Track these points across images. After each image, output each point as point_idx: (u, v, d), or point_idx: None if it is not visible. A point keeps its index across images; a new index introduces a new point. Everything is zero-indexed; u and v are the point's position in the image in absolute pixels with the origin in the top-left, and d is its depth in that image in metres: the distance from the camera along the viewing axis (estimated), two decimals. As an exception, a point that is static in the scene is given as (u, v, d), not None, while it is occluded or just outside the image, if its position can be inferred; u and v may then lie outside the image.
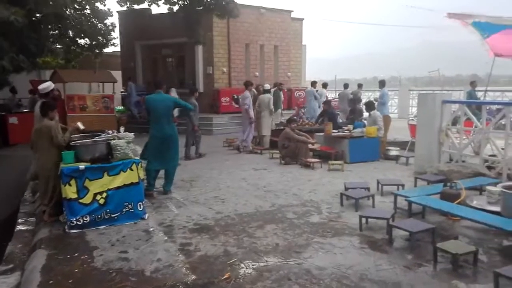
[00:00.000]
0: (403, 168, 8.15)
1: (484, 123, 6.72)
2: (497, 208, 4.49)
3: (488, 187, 4.97)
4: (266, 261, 3.96)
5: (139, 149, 6.51)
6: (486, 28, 11.22)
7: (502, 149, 6.37)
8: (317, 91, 14.25)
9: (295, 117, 11.58)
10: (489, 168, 6.51)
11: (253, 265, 3.86)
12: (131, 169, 5.14)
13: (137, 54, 17.82)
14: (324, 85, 15.01)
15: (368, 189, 6.00)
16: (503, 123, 6.77)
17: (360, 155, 8.73)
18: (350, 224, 4.91)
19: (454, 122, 7.47)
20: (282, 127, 10.19)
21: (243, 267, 3.83)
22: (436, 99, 7.26)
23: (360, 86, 15.07)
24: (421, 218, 4.97)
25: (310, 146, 9.15)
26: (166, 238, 4.63)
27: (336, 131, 9.54)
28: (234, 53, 16.54)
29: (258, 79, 16.37)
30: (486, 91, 16.11)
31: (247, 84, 10.81)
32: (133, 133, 5.55)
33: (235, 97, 12.36)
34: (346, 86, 14.77)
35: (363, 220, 4.81)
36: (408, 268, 3.75)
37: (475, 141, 7.11)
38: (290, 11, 18.35)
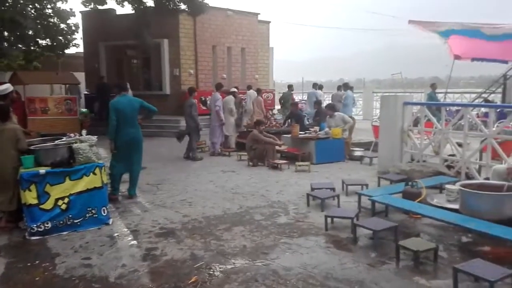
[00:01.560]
0: (367, 168, 8.35)
1: (443, 124, 6.98)
2: (456, 206, 4.65)
3: (447, 186, 5.16)
4: (234, 263, 3.96)
5: (103, 152, 6.36)
6: (447, 33, 11.74)
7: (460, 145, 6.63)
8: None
9: (263, 119, 11.66)
10: (448, 167, 6.77)
11: (220, 268, 3.85)
12: (94, 173, 5.01)
13: (101, 55, 17.39)
14: (320, 87, 15.90)
15: (333, 189, 6.11)
16: (462, 123, 7.05)
17: (326, 156, 8.88)
18: (316, 224, 4.99)
19: (415, 123, 7.72)
20: (250, 129, 10.22)
21: (210, 270, 3.81)
22: (398, 101, 7.48)
23: (320, 87, 15.78)
24: (384, 217, 5.10)
25: (277, 147, 9.22)
26: (131, 243, 4.55)
27: (303, 132, 9.67)
28: (201, 54, 16.45)
29: (226, 81, 16.35)
30: (446, 92, 16.75)
31: (218, 87, 10.79)
32: (96, 136, 5.41)
33: (203, 99, 12.32)
34: (316, 86, 15.64)
35: (329, 220, 4.89)
36: (371, 266, 3.84)
37: (435, 142, 7.37)
38: (257, 14, 18.45)
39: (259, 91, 13.93)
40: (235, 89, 11.78)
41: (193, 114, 9.50)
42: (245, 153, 9.13)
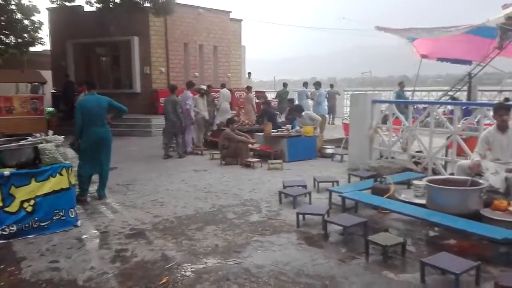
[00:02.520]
0: (338, 165, 8.47)
1: (411, 121, 7.17)
2: (423, 201, 4.77)
3: (415, 181, 5.28)
4: (205, 262, 3.94)
5: (71, 152, 6.19)
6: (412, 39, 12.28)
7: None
8: (309, 91, 15.10)
9: (235, 117, 11.64)
10: (416, 163, 6.96)
11: (192, 268, 3.82)
12: (61, 174, 4.87)
13: (68, 53, 16.94)
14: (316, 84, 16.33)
15: (305, 186, 6.17)
16: (429, 120, 7.25)
17: (298, 154, 8.96)
18: (288, 221, 5.02)
19: (384, 120, 7.89)
20: (222, 128, 10.18)
21: (181, 271, 3.77)
22: (367, 99, 7.63)
23: (285, 85, 16.57)
24: (354, 213, 5.19)
25: (250, 146, 9.24)
26: (100, 245, 4.46)
27: (276, 131, 9.72)
28: (172, 52, 16.27)
29: (198, 79, 16.24)
30: (414, 91, 17.20)
31: (189, 85, 10.69)
32: (63, 136, 5.27)
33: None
34: (306, 84, 16.14)
35: (300, 216, 4.94)
36: (342, 261, 3.91)
37: (403, 139, 7.55)
38: (229, 12, 18.41)
39: (249, 89, 14.19)
40: (203, 87, 11.65)
41: (178, 111, 9.63)
42: (218, 152, 9.10)
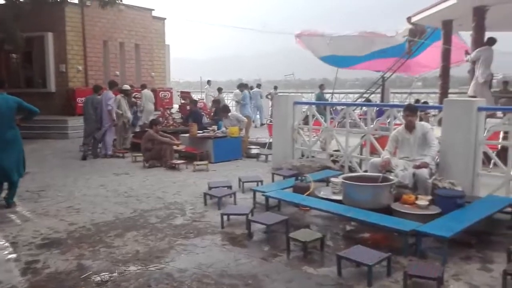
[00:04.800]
0: (263, 165, 8.63)
1: (329, 122, 7.51)
2: (339, 197, 5.02)
3: (332, 179, 5.53)
4: (125, 270, 3.78)
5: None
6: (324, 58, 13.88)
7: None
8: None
9: (160, 119, 11.36)
10: (334, 161, 7.30)
11: (110, 276, 3.65)
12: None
13: (-29, 48, 15.34)
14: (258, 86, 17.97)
15: (230, 187, 6.19)
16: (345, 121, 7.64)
17: (224, 155, 8.98)
18: (213, 223, 5.00)
19: (306, 121, 8.18)
20: (145, 129, 9.88)
21: (98, 280, 3.59)
22: (289, 100, 7.86)
23: (259, 86, 17.78)
24: (277, 211, 5.32)
25: (175, 147, 9.06)
26: (8, 257, 4.10)
27: (201, 132, 9.65)
28: (90, 50, 15.43)
29: (119, 78, 15.59)
30: (333, 93, 18.08)
31: (112, 85, 10.22)
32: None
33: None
34: (260, 86, 17.80)
35: (225, 217, 4.95)
36: (264, 259, 3.97)
37: (322, 138, 7.89)
38: (151, 10, 17.89)
39: (220, 90, 14.08)
40: (127, 87, 11.22)
41: (98, 112, 9.48)
42: (141, 154, 8.81)
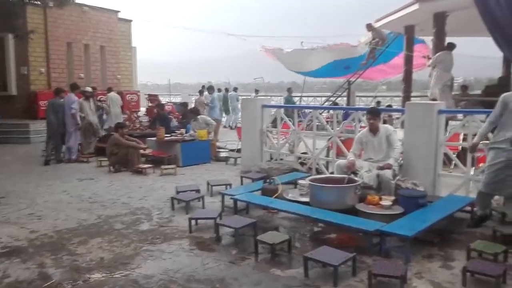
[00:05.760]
0: (232, 168, 8.61)
1: (296, 125, 7.60)
2: (307, 199, 5.07)
3: (300, 181, 5.58)
4: (89, 278, 3.68)
5: None
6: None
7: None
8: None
9: (126, 122, 11.15)
10: (302, 164, 7.39)
11: (73, 285, 3.55)
12: None
13: None
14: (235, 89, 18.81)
15: (198, 191, 6.15)
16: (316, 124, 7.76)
17: (192, 158, 8.90)
18: (181, 228, 4.95)
19: (275, 124, 8.23)
20: (111, 133, 9.67)
21: (61, 289, 3.48)
22: (257, 103, 7.90)
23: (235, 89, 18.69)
24: (246, 214, 5.33)
25: (141, 151, 8.91)
26: (-37, 269, 3.90)
27: (169, 135, 9.53)
28: (53, 52, 15.00)
29: (84, 81, 15.21)
30: (301, 96, 18.32)
31: (73, 87, 9.93)
32: None
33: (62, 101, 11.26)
34: (237, 89, 18.55)
35: (193, 222, 4.90)
36: (232, 263, 3.96)
37: (290, 141, 7.97)
38: (117, 11, 17.58)
39: (201, 92, 14.04)
40: (88, 89, 10.92)
41: (60, 115, 9.31)
42: (106, 159, 8.61)
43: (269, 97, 15.58)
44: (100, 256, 4.15)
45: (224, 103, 17.56)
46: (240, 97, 17.24)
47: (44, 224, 5.14)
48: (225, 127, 17.15)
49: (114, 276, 3.72)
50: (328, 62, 15.19)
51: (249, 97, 15.29)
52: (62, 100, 9.45)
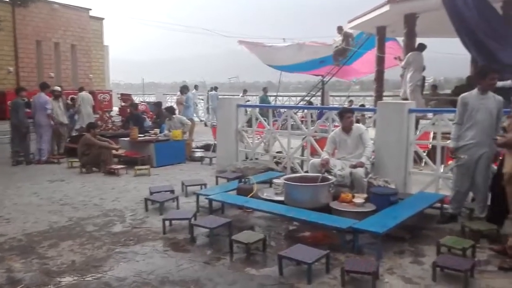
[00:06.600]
0: (207, 168, 8.56)
1: (271, 124, 7.63)
2: (281, 198, 5.10)
3: (275, 180, 5.61)
4: (59, 281, 3.59)
5: None
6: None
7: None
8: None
9: (98, 122, 10.93)
10: (277, 163, 7.43)
11: (43, 289, 3.45)
12: None
13: None
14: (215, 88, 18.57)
15: (172, 191, 6.09)
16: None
17: (167, 158, 8.80)
18: (154, 229, 4.89)
19: (250, 124, 8.24)
20: (82, 133, 9.46)
21: (30, 293, 3.39)
22: (232, 103, 7.89)
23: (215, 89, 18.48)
24: (221, 214, 5.31)
25: (114, 152, 8.75)
26: None
27: (142, 135, 9.40)
28: (22, 50, 14.60)
29: (54, 80, 14.84)
30: (277, 96, 18.41)
31: (43, 86, 9.66)
32: None
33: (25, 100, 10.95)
34: (217, 89, 18.52)
35: (167, 222, 4.85)
36: (207, 263, 3.94)
37: (265, 140, 8.00)
38: (88, 9, 17.24)
39: (183, 91, 13.81)
40: (57, 88, 10.65)
41: (22, 115, 9.07)
42: (78, 160, 8.42)
43: (244, 96, 15.58)
44: (72, 259, 4.06)
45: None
46: (220, 96, 17.33)
47: (13, 227, 4.98)
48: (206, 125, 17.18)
49: (85, 279, 3.64)
50: (304, 60, 15.35)
51: (234, 97, 15.40)
52: (24, 100, 9.21)
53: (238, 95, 17.13)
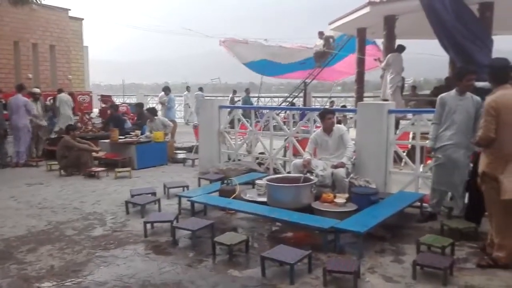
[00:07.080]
0: (189, 170, 8.51)
1: (254, 125, 7.64)
2: (264, 199, 5.09)
3: (257, 181, 5.60)
4: (38, 287, 3.52)
5: None
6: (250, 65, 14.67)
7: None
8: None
9: (78, 124, 10.75)
10: (259, 164, 7.44)
11: (20, 295, 3.38)
12: None
13: None
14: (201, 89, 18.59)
15: (154, 193, 6.02)
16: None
17: (148, 160, 8.71)
18: (135, 232, 4.83)
19: (233, 125, 8.23)
20: (61, 135, 9.28)
21: (7, 300, 3.30)
22: (214, 104, 7.87)
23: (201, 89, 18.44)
24: (203, 216, 5.28)
25: (94, 154, 8.62)
26: None
27: (123, 137, 9.28)
28: (-1, 51, 14.26)
29: (32, 81, 14.53)
30: (259, 97, 18.44)
31: (19, 88, 9.44)
32: None
33: (2, 101, 10.69)
34: (202, 89, 18.47)
35: (149, 225, 4.80)
36: (189, 266, 3.92)
37: (248, 141, 8.00)
38: (67, 10, 16.95)
39: (165, 92, 13.55)
40: (36, 90, 10.43)
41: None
42: (57, 162, 8.26)
43: (226, 98, 15.54)
44: (51, 264, 3.98)
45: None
46: (205, 97, 17.28)
47: (-12, 232, 4.86)
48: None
49: (65, 284, 3.57)
50: (290, 62, 15.46)
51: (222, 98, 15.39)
52: (1, 101, 9.03)
53: (221, 96, 17.11)
